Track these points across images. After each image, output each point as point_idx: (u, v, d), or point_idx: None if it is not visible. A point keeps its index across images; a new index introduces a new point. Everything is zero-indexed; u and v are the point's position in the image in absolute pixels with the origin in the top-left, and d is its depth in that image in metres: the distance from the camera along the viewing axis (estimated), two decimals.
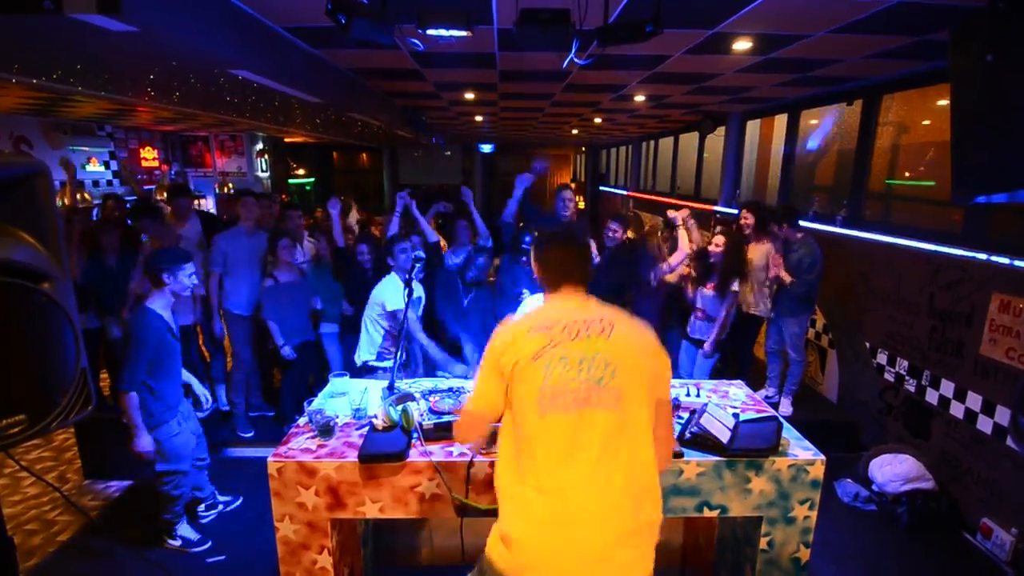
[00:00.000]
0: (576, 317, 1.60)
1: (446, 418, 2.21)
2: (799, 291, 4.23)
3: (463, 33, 2.47)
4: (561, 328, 1.57)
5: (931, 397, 3.78)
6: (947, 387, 3.64)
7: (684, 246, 4.10)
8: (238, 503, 3.56)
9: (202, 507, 3.40)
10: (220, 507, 3.49)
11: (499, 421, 1.66)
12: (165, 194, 8.92)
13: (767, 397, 4.66)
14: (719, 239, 4.10)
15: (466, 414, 1.77)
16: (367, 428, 2.23)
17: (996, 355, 3.25)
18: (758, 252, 4.40)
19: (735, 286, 3.98)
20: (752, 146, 7.26)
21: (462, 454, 2.09)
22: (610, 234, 4.17)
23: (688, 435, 2.19)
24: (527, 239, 3.66)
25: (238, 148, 11.21)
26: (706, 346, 4.03)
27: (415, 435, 2.17)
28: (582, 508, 1.45)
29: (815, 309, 4.70)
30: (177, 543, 3.14)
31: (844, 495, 3.79)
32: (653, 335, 1.66)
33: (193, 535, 3.18)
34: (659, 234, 5.11)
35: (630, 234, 4.57)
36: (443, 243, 4.56)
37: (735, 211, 6.77)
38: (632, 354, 1.58)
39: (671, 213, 4.22)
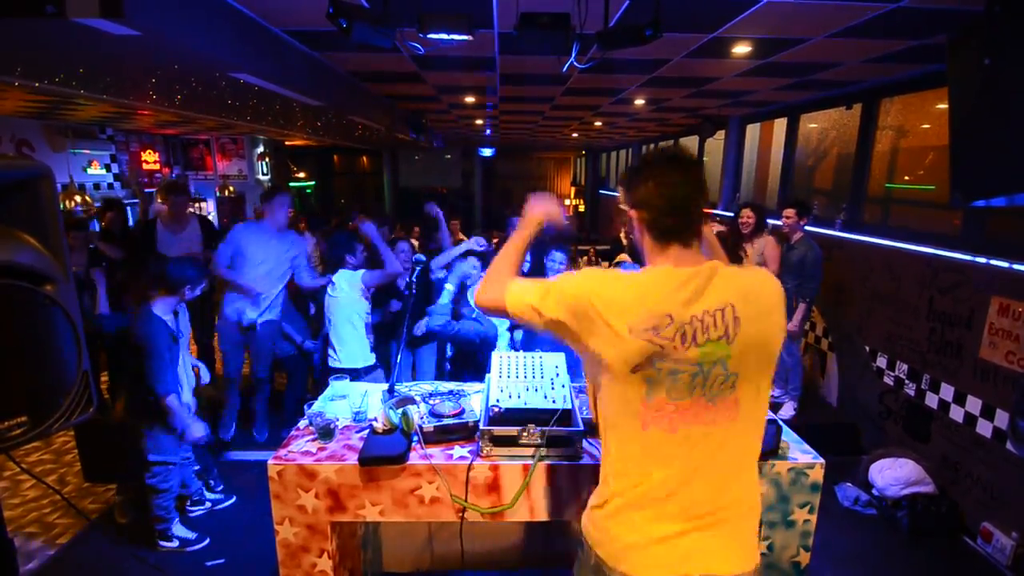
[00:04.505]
0: (694, 309, 1.26)
1: (446, 421, 2.21)
2: (795, 293, 4.26)
3: (464, 37, 2.48)
4: (674, 330, 1.25)
5: (931, 400, 3.78)
6: (947, 390, 3.64)
7: None
8: (230, 502, 3.58)
9: (188, 503, 3.45)
10: (208, 504, 3.52)
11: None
12: (162, 196, 8.97)
13: (772, 397, 4.68)
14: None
15: (499, 273, 1.51)
16: (367, 431, 2.23)
17: (996, 359, 3.25)
18: (755, 251, 4.44)
19: None
20: (752, 150, 7.28)
21: (462, 457, 2.09)
22: (555, 266, 3.80)
23: None
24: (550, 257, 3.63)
25: (239, 151, 11.22)
26: None
27: (415, 438, 2.17)
28: (691, 514, 1.33)
29: (811, 312, 4.70)
30: (174, 544, 3.15)
31: (844, 499, 3.78)
32: (780, 297, 1.34)
33: (190, 534, 3.19)
34: None
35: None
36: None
37: (735, 214, 6.79)
38: (758, 354, 1.30)
39: None
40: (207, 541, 3.21)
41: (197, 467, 3.47)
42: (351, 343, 3.47)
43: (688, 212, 1.32)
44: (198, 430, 2.98)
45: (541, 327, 1.39)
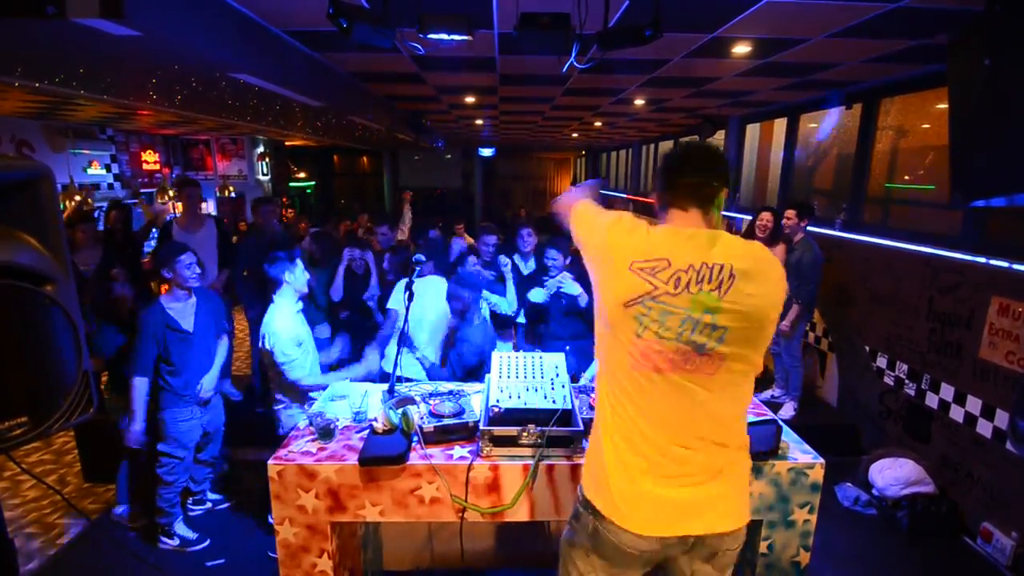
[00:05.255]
0: (692, 259, 1.36)
1: (446, 421, 2.22)
2: (793, 294, 4.25)
3: (464, 37, 2.48)
4: (670, 274, 1.36)
5: (931, 401, 3.78)
6: (947, 391, 3.64)
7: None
8: (228, 504, 3.58)
9: (190, 501, 3.46)
10: (209, 504, 3.52)
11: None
12: (166, 196, 8.98)
13: (774, 396, 4.68)
14: None
15: (581, 190, 1.82)
16: (367, 431, 2.23)
17: (996, 359, 3.25)
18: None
19: None
20: (752, 150, 7.28)
21: (462, 457, 2.10)
22: (549, 262, 3.80)
23: None
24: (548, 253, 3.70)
25: (239, 151, 11.23)
26: None
27: (415, 438, 2.17)
28: (668, 461, 1.43)
29: (812, 314, 4.70)
30: (175, 542, 3.16)
31: (844, 499, 3.78)
32: (779, 274, 1.40)
33: (191, 534, 3.20)
34: None
35: None
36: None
37: (734, 214, 6.79)
38: (748, 320, 1.35)
39: None
40: (207, 543, 3.20)
41: (210, 472, 3.48)
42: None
43: (683, 185, 1.47)
44: (135, 429, 2.87)
45: (578, 240, 1.63)
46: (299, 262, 3.00)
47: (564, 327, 3.72)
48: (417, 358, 3.40)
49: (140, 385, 2.87)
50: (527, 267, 4.35)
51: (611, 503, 1.45)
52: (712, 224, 1.45)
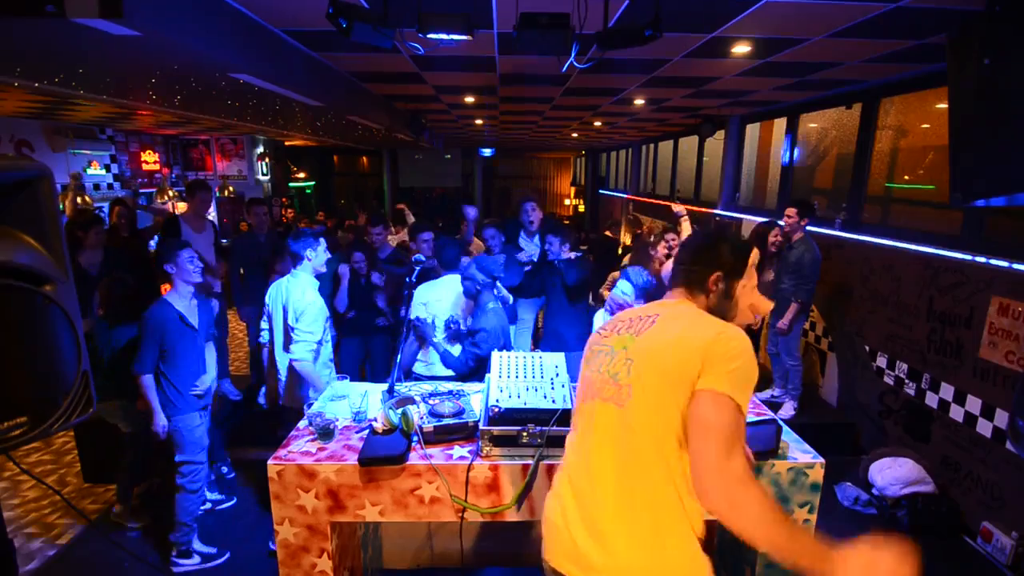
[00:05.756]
0: (638, 313, 1.56)
1: (446, 421, 2.21)
2: (791, 293, 4.26)
3: (463, 37, 2.48)
4: (620, 321, 1.57)
5: (931, 400, 3.78)
6: (947, 390, 3.64)
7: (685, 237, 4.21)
8: (231, 503, 3.57)
9: None
10: (209, 505, 3.50)
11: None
12: (165, 196, 8.98)
13: (773, 396, 4.68)
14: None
15: None
16: (367, 431, 2.23)
17: (995, 358, 3.25)
18: (795, 254, 4.43)
19: None
20: (752, 149, 7.28)
21: (462, 457, 2.09)
22: (553, 247, 4.02)
23: None
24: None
25: (239, 151, 11.22)
26: None
27: (415, 438, 2.17)
28: (578, 489, 1.47)
29: (810, 313, 4.70)
30: (195, 560, 3.02)
31: (844, 498, 3.78)
32: (710, 335, 1.33)
33: (210, 549, 3.09)
34: (652, 237, 5.22)
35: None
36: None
37: (735, 214, 6.79)
38: (655, 353, 1.39)
39: (675, 207, 4.48)
40: (228, 555, 3.09)
41: (210, 473, 3.46)
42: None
43: (674, 275, 1.58)
44: (160, 422, 2.85)
45: None
46: (322, 241, 3.12)
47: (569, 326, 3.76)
48: (439, 349, 3.35)
49: (149, 382, 2.83)
50: (534, 245, 4.38)
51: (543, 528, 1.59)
52: (702, 303, 1.50)
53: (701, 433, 1.24)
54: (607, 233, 7.80)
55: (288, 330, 3.05)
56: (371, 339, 4.41)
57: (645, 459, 1.35)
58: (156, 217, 6.00)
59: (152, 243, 5.79)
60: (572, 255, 3.97)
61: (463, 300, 3.38)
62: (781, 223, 4.53)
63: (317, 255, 3.08)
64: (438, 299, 3.42)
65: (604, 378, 1.47)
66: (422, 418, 2.24)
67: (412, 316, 3.31)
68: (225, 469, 3.89)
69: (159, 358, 2.86)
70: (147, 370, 2.83)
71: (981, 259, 3.38)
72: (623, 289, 3.05)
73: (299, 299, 2.98)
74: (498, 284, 3.47)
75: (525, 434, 2.05)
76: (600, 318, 3.31)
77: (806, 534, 1.17)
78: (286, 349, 3.07)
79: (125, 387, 2.94)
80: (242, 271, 4.82)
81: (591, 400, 1.49)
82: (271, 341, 3.23)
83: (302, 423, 2.35)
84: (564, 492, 1.51)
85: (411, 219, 6.34)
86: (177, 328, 2.87)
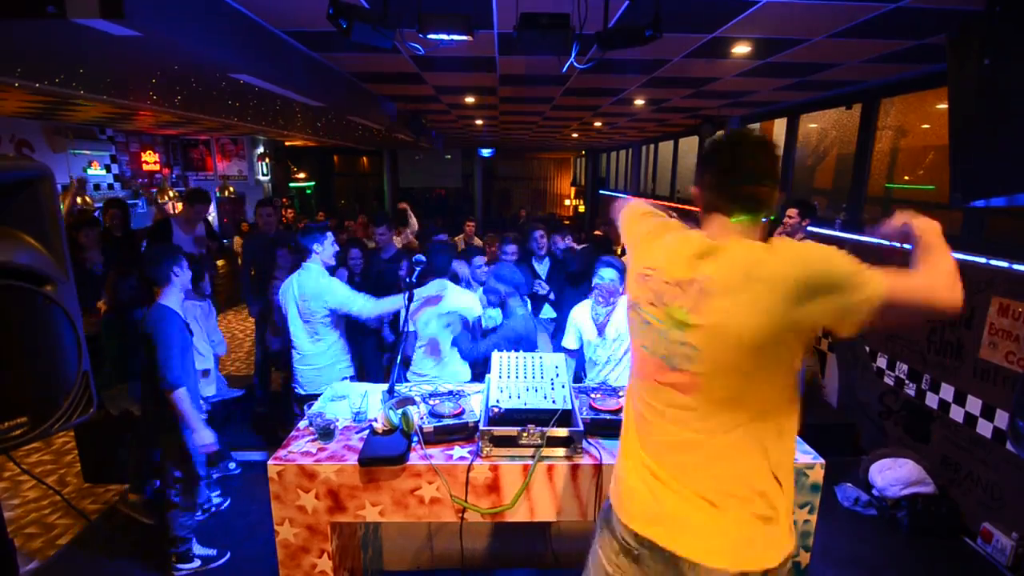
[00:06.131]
0: (679, 272, 1.31)
1: (446, 421, 2.21)
2: None
3: (464, 37, 2.48)
4: (659, 282, 1.35)
5: (931, 401, 3.78)
6: (947, 391, 3.64)
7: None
8: (226, 504, 3.55)
9: None
10: (212, 508, 3.49)
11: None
12: (165, 196, 8.98)
13: None
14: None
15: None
16: (367, 431, 2.23)
17: (996, 359, 3.25)
18: None
19: None
20: None
21: (462, 458, 2.09)
22: (560, 243, 4.42)
23: None
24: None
25: (239, 152, 11.22)
26: None
27: (415, 438, 2.17)
28: (659, 456, 1.40)
29: None
30: (195, 564, 2.99)
31: (844, 499, 3.78)
32: (775, 281, 1.20)
33: (210, 551, 3.06)
34: None
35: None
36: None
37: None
38: (719, 335, 1.24)
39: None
40: (228, 556, 3.07)
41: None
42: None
43: (727, 188, 1.32)
44: (206, 437, 2.75)
45: (622, 235, 1.66)
46: (329, 235, 3.26)
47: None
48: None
49: (184, 394, 2.68)
50: (542, 267, 4.48)
51: (615, 491, 1.49)
52: (755, 234, 1.32)
53: (886, 308, 1.22)
54: (596, 232, 7.86)
55: (305, 322, 3.23)
56: (363, 341, 4.38)
57: (724, 445, 1.31)
58: (156, 216, 6.05)
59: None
60: (575, 245, 4.12)
61: (451, 314, 3.31)
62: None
63: (324, 248, 3.21)
64: (420, 311, 3.31)
65: (658, 362, 1.36)
66: (422, 418, 2.24)
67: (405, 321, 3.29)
68: (233, 465, 3.92)
69: None
70: (181, 382, 2.67)
71: (981, 259, 3.37)
72: (608, 276, 2.91)
73: (313, 285, 3.15)
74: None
75: (525, 434, 2.05)
76: (583, 310, 3.18)
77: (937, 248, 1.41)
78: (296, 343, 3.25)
79: (128, 372, 2.94)
80: (252, 272, 4.85)
81: (650, 381, 1.40)
82: (287, 338, 3.37)
83: (302, 423, 2.35)
84: (643, 458, 1.41)
85: (413, 220, 6.33)
86: (180, 334, 2.80)
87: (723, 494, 1.31)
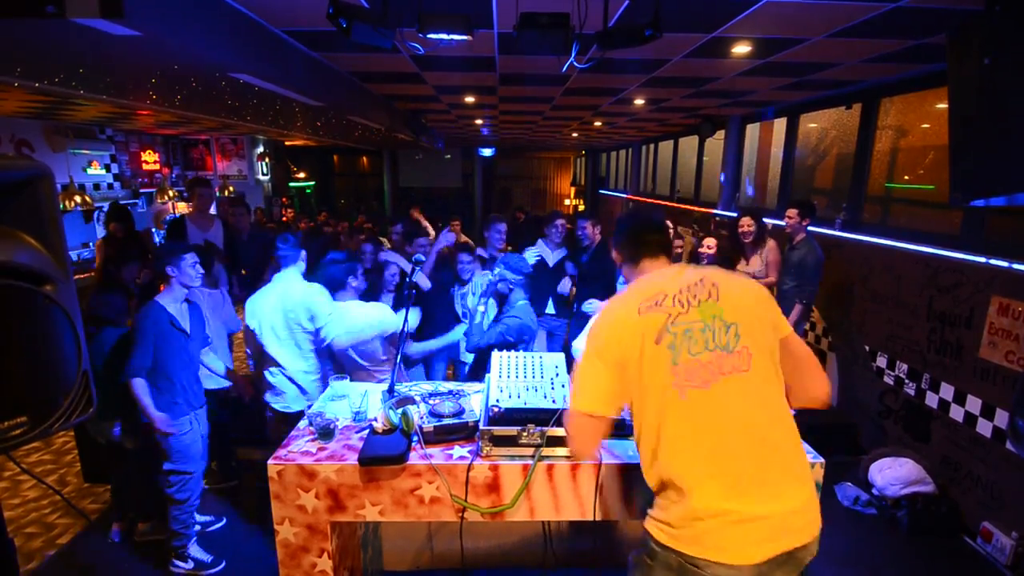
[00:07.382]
0: (679, 284, 1.56)
1: (446, 421, 2.21)
2: (794, 294, 4.25)
3: (463, 37, 2.48)
4: (672, 300, 1.52)
5: (931, 400, 3.78)
6: (947, 390, 3.64)
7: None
8: (220, 524, 3.42)
9: None
10: (197, 527, 3.27)
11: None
12: (165, 196, 8.97)
13: None
14: (710, 240, 4.11)
15: (579, 417, 1.58)
16: (367, 431, 2.23)
17: (995, 358, 3.25)
18: (760, 259, 4.42)
19: None
20: (752, 149, 7.28)
21: (462, 457, 2.10)
22: (587, 231, 4.56)
23: None
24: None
25: (239, 151, 11.23)
26: None
27: (415, 438, 2.17)
28: (733, 473, 1.42)
29: (810, 313, 4.70)
30: (188, 565, 2.98)
31: (844, 498, 3.78)
32: (754, 281, 1.68)
33: (205, 556, 3.04)
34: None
35: None
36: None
37: (735, 214, 6.79)
38: (747, 307, 1.54)
39: None
40: (223, 564, 3.04)
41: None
42: None
43: (645, 240, 1.76)
44: (159, 418, 2.77)
45: (626, 384, 1.56)
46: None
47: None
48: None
49: (141, 385, 2.73)
50: (555, 256, 4.59)
51: (697, 540, 1.41)
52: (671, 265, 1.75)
53: (809, 358, 1.65)
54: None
55: (292, 334, 3.06)
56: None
57: (780, 405, 1.54)
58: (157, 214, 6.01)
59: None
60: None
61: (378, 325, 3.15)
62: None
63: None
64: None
65: (716, 355, 1.46)
66: (422, 418, 2.24)
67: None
68: (234, 464, 3.86)
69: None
70: (139, 374, 2.72)
71: (981, 259, 3.38)
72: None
73: (312, 300, 3.02)
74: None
75: (525, 434, 2.05)
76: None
77: None
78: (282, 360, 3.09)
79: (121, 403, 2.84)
80: (244, 271, 4.83)
81: (712, 384, 1.44)
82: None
83: (302, 423, 2.35)
84: (729, 482, 1.41)
85: (430, 228, 6.23)
86: (168, 331, 2.80)
87: (795, 459, 1.49)
